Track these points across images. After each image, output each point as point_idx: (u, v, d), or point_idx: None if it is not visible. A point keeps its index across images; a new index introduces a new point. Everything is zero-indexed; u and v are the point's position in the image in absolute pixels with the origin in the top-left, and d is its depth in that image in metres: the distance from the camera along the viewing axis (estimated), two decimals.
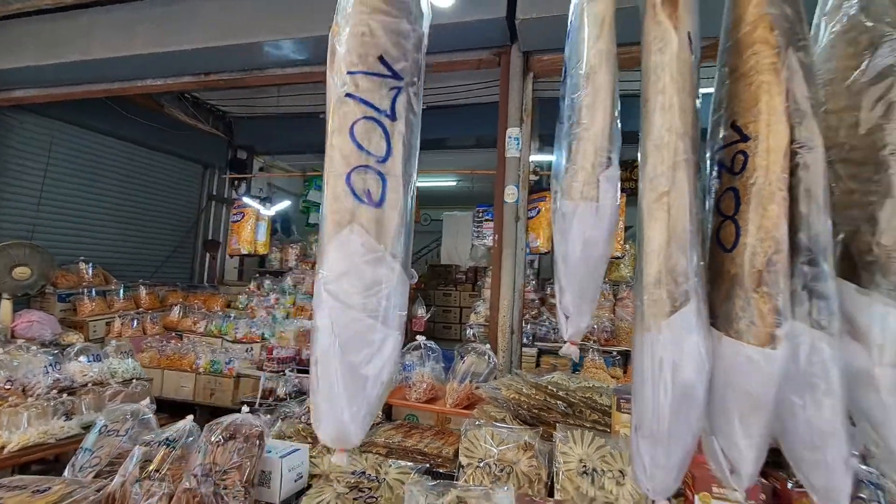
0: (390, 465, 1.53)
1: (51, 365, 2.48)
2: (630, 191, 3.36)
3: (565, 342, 0.89)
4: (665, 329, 0.70)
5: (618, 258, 4.62)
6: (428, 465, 1.63)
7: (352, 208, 0.82)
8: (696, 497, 1.33)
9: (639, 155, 0.78)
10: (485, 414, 1.85)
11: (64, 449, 2.20)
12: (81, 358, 2.65)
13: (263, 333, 4.92)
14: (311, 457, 1.59)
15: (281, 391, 3.72)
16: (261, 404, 3.40)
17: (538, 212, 3.86)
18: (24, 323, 4.25)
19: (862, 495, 1.24)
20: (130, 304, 5.26)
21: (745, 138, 0.73)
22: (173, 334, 5.10)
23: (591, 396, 1.86)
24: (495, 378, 2.19)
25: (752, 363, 0.69)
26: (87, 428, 2.04)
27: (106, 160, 5.69)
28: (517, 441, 1.55)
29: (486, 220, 5.95)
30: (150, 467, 1.34)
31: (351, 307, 0.81)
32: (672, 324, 0.70)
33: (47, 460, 2.23)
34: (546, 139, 4.85)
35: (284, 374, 3.81)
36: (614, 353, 4.06)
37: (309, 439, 1.74)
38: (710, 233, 0.79)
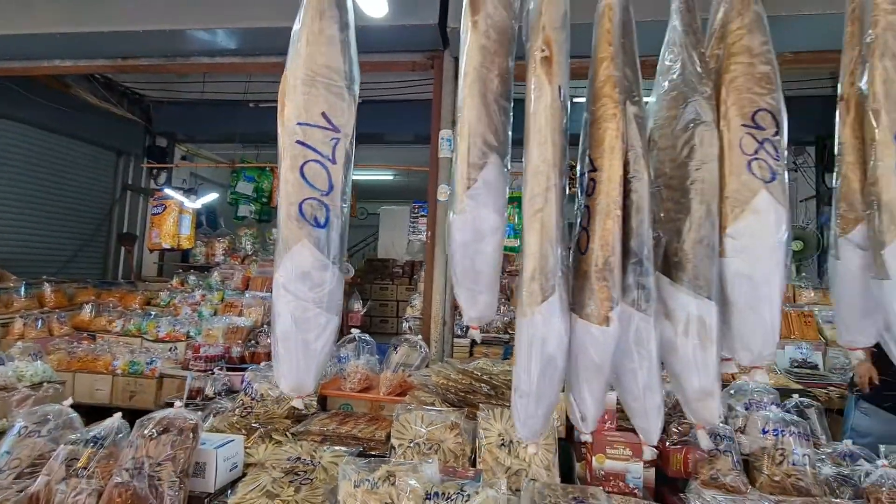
0: (325, 451, 1.62)
1: None
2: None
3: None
4: (537, 314, 0.93)
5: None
6: (361, 448, 1.74)
7: (303, 229, 1.08)
8: (593, 458, 1.55)
9: (522, 179, 0.99)
10: (416, 399, 1.99)
11: None
12: None
13: (189, 331, 4.71)
14: (245, 447, 1.64)
15: (210, 390, 3.60)
16: (188, 404, 3.30)
17: None
18: None
19: (720, 448, 1.52)
20: (33, 303, 4.81)
21: (594, 169, 0.97)
22: (85, 335, 4.74)
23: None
24: (427, 367, 2.33)
25: (593, 338, 0.94)
26: None
27: (1, 145, 5.13)
28: (444, 421, 1.70)
29: (422, 216, 6.07)
30: (77, 465, 1.33)
31: (304, 300, 1.09)
32: (542, 310, 0.93)
33: None
34: None
35: (213, 373, 3.70)
36: None
37: (243, 431, 1.78)
38: (574, 240, 1.03)
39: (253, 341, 4.56)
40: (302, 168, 1.06)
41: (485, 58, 0.96)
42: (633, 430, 1.71)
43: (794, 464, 1.46)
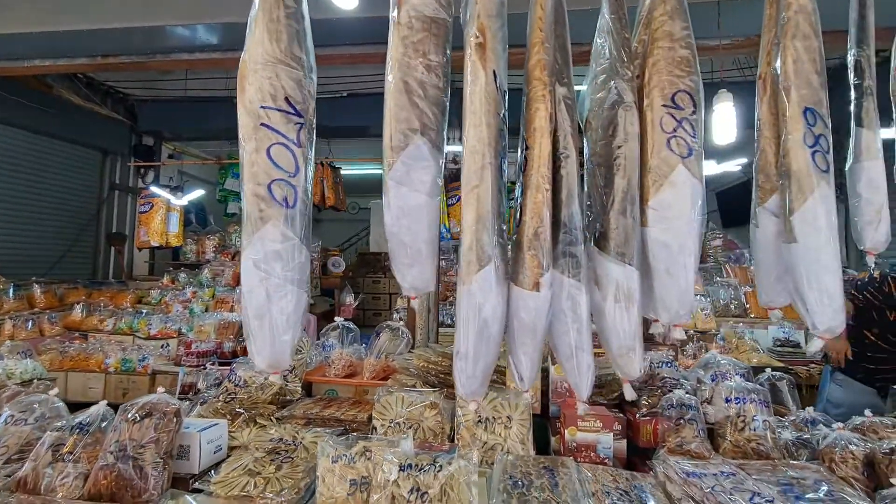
0: (307, 432, 1.67)
1: None
2: None
3: None
4: (475, 282, 1.00)
5: None
6: (344, 429, 1.79)
7: (273, 209, 1.12)
8: (565, 431, 1.62)
9: (461, 159, 1.05)
10: (398, 383, 2.04)
11: None
12: None
13: (180, 328, 4.75)
14: (230, 431, 1.69)
15: (202, 385, 3.64)
16: (181, 399, 3.34)
17: (458, 199, 4.09)
18: None
19: (685, 417, 1.58)
20: (23, 304, 4.82)
21: (527, 147, 1.03)
22: (76, 334, 4.76)
23: None
24: (410, 352, 2.38)
25: (525, 303, 1.02)
26: None
27: None
28: (424, 401, 1.76)
29: None
30: (63, 450, 1.37)
31: (276, 276, 1.13)
32: (479, 278, 0.99)
33: None
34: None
35: (205, 368, 3.74)
36: None
37: (228, 417, 1.83)
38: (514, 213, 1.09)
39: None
40: (269, 150, 1.09)
41: (407, 48, 1.01)
42: (604, 404, 1.79)
43: (754, 430, 1.52)
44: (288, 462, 1.47)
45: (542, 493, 1.25)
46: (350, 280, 7.19)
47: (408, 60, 1.00)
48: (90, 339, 4.59)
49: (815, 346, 1.17)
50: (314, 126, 1.17)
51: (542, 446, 1.73)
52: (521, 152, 1.06)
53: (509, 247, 1.04)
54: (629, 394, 1.21)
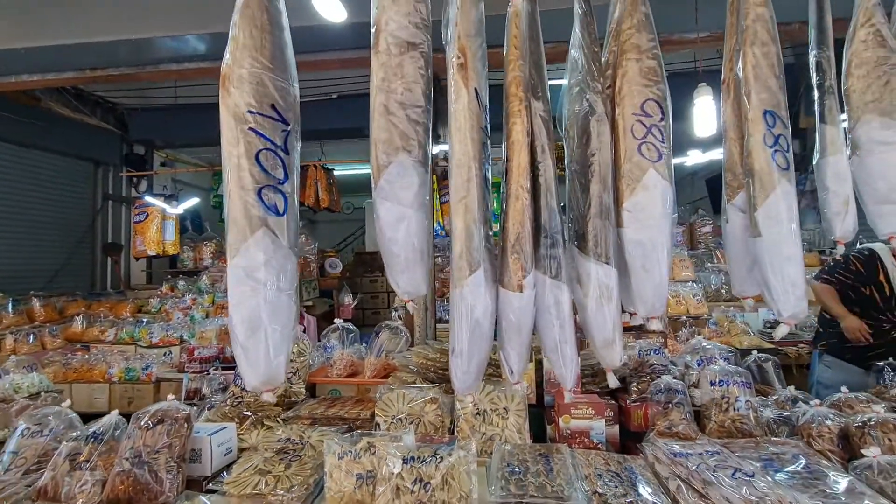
0: (313, 431, 1.74)
1: None
2: None
3: None
4: (466, 286, 1.07)
5: None
6: (348, 427, 1.86)
7: (263, 216, 1.11)
8: (560, 419, 1.69)
9: (449, 171, 1.12)
10: (398, 380, 2.11)
11: None
12: None
13: (182, 335, 4.80)
14: (239, 434, 1.75)
15: (206, 390, 3.70)
16: (187, 404, 3.39)
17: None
18: None
19: (673, 401, 1.66)
20: (23, 318, 4.85)
21: (507, 159, 1.11)
22: (78, 346, 4.80)
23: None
24: (409, 350, 2.45)
25: (511, 303, 1.10)
26: None
27: None
28: (424, 397, 1.83)
29: None
30: (80, 459, 1.44)
31: (268, 286, 1.12)
32: (469, 282, 1.07)
33: None
34: None
35: (208, 374, 3.80)
36: None
37: (236, 420, 1.90)
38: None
39: None
40: (257, 156, 1.08)
41: (387, 73, 1.06)
42: (596, 392, 1.87)
43: (738, 410, 1.60)
44: (296, 460, 1.54)
45: (537, 478, 1.32)
46: (348, 280, 7.24)
47: (388, 84, 1.06)
48: (92, 350, 4.63)
49: (780, 331, 1.25)
50: (299, 137, 1.18)
51: (538, 435, 1.81)
52: (503, 163, 1.13)
53: (496, 251, 1.11)
54: (612, 382, 1.29)
